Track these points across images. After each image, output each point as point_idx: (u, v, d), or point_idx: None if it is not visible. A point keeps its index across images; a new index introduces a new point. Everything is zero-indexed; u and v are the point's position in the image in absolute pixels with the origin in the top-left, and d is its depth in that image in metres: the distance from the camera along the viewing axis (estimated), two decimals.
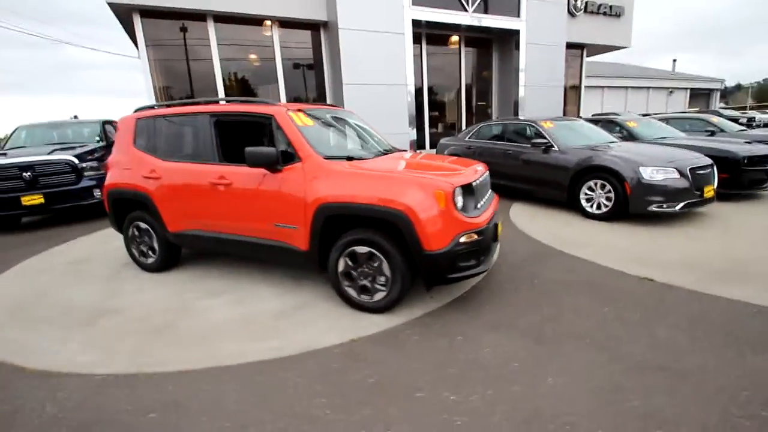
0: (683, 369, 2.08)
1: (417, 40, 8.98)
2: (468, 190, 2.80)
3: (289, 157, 2.99)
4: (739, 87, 61.64)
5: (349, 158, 3.06)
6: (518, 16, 9.51)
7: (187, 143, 3.49)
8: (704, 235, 4.33)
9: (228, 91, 7.83)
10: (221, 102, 3.53)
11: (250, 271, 3.73)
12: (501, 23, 9.35)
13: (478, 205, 2.92)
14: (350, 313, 2.88)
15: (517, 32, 9.68)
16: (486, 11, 9.11)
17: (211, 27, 7.48)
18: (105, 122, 7.67)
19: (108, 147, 6.98)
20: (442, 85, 10.36)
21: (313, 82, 8.89)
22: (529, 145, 5.90)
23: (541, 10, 9.70)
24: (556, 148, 5.61)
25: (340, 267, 2.87)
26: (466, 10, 8.88)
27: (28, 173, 5.67)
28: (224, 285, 3.47)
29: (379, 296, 2.79)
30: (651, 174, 4.66)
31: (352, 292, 2.88)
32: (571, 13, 10.61)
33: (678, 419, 1.74)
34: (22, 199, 5.58)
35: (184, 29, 7.38)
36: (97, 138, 7.27)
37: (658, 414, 1.78)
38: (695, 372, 2.05)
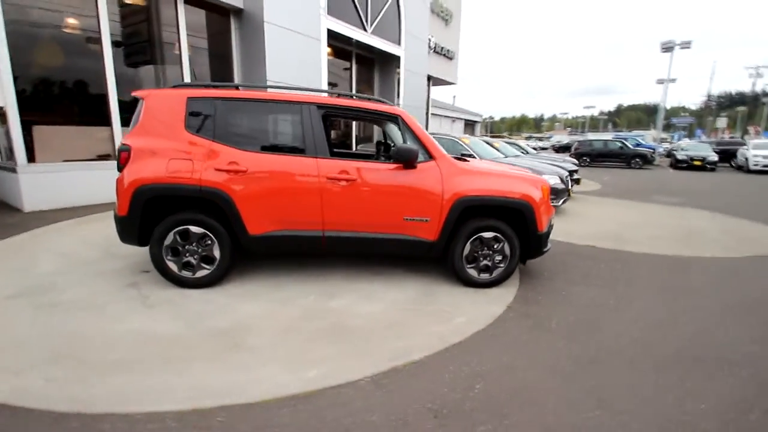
0: (698, 286, 3.64)
1: None
2: None
3: None
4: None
5: (457, 158, 3.54)
6: (399, 44, 11.05)
7: (284, 133, 3.12)
8: (578, 219, 6.67)
9: (122, 76, 6.14)
10: (330, 95, 3.28)
11: (313, 270, 3.58)
12: (389, 47, 10.65)
13: None
14: (470, 291, 3.36)
15: (398, 58, 11.21)
16: (378, 35, 10.21)
17: None
18: None
19: None
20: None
21: (216, 71, 7.87)
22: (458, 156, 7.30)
23: (413, 43, 11.56)
24: (477, 159, 7.20)
25: (465, 251, 3.34)
26: (365, 30, 9.75)
27: None
28: (314, 287, 3.27)
29: (497, 272, 3.40)
30: (548, 180, 6.77)
31: (473, 272, 3.38)
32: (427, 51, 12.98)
33: (739, 303, 3.21)
34: None
35: None
36: None
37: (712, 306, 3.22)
38: (705, 288, 3.62)
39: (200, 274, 3.12)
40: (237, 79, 7.86)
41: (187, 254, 3.08)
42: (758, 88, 51.05)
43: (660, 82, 32.58)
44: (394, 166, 3.17)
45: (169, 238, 3.03)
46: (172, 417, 1.78)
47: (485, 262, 3.37)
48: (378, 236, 3.24)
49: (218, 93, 3.08)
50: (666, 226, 6.22)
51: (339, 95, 3.33)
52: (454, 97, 39.74)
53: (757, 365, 2.36)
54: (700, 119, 71.84)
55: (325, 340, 2.49)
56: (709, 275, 3.99)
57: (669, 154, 25.66)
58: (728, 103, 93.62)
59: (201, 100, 3.04)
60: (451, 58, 14.95)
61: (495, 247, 3.35)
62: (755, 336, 2.73)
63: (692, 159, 17.86)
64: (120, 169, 2.99)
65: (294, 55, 7.84)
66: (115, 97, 6.13)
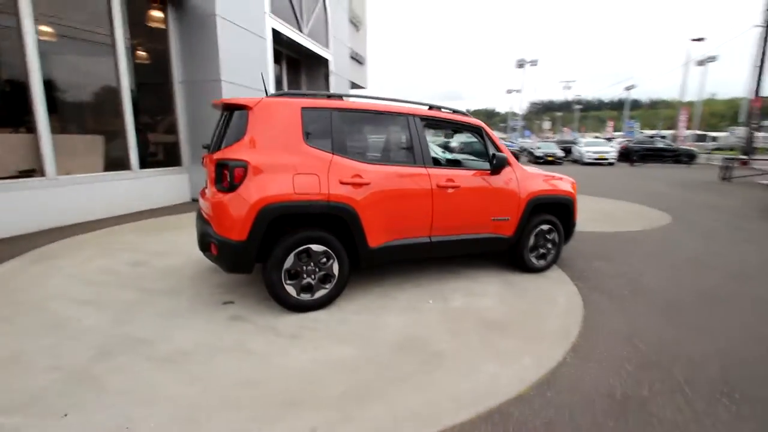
0: (658, 251, 4.90)
1: None
2: None
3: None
4: None
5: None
6: (328, 47, 11.01)
7: (394, 145, 3.12)
8: None
9: (50, 74, 4.77)
10: (422, 107, 3.34)
11: (394, 277, 3.70)
12: (320, 50, 10.52)
13: None
14: (532, 276, 3.93)
15: (323, 61, 11.14)
16: (312, 37, 10.02)
17: None
18: None
19: None
20: None
21: (144, 67, 6.69)
22: None
23: (339, 47, 11.64)
24: None
25: (530, 243, 3.89)
26: (302, 31, 9.46)
27: None
28: (417, 292, 3.40)
29: (549, 258, 4.06)
30: None
31: (534, 260, 3.96)
32: None
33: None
34: None
35: None
36: None
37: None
38: (663, 252, 4.90)
39: (319, 294, 2.93)
40: (177, 76, 6.85)
41: (305, 275, 2.86)
42: (569, 98, 65.94)
43: (509, 92, 39.54)
44: (484, 172, 3.52)
45: (290, 261, 2.77)
46: (495, 412, 1.86)
47: (542, 250, 3.99)
48: (472, 237, 3.54)
49: (333, 104, 2.93)
50: (588, 210, 7.90)
51: (430, 107, 3.48)
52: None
53: (753, 292, 3.52)
54: (528, 122, 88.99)
55: (494, 335, 2.71)
56: (653, 243, 5.41)
57: (520, 151, 31.34)
58: (544, 109, 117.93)
59: (316, 110, 2.86)
60: (362, 63, 15.45)
61: (548, 237, 4.00)
62: (725, 278, 3.97)
63: (547, 155, 22.27)
64: (232, 187, 2.60)
65: (245, 53, 7.23)
66: (42, 95, 4.78)
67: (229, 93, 6.83)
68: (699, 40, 27.15)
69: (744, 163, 16.85)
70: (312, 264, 2.87)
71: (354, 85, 15.80)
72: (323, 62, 11.16)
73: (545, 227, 3.93)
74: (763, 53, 16.60)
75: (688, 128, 31.30)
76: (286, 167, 2.70)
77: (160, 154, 7.05)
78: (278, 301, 2.83)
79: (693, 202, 8.94)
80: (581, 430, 1.83)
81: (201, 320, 2.77)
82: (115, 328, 2.62)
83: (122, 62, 5.87)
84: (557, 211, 4.04)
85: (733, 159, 13.43)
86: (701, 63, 27.48)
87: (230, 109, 2.96)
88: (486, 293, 3.45)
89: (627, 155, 22.39)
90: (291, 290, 2.83)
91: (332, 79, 11.44)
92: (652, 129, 57.50)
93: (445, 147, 8.38)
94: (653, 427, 1.86)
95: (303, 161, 2.76)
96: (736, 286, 3.76)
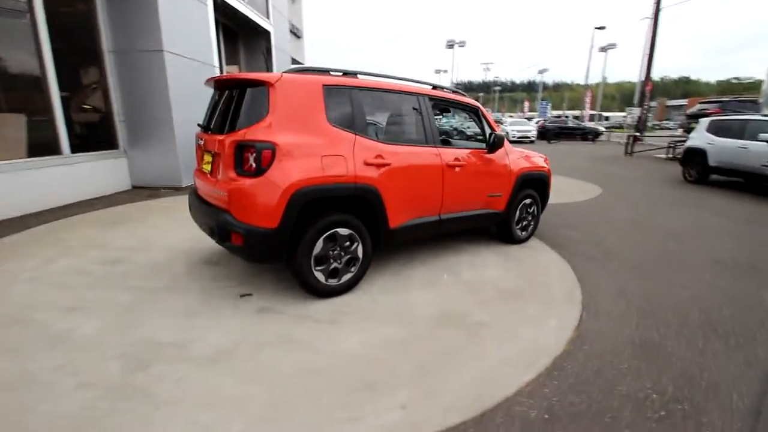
0: (605, 216, 5.58)
1: None
2: None
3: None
4: None
5: None
6: (268, 18, 10.25)
7: (408, 124, 3.10)
8: None
9: None
10: (425, 86, 3.31)
11: (399, 257, 3.78)
12: (262, 21, 9.75)
13: None
14: (516, 246, 4.27)
15: (263, 33, 10.38)
16: (251, 5, 9.23)
17: None
18: None
19: None
20: None
21: (64, 35, 5.64)
22: None
23: (279, 19, 10.87)
24: None
25: (517, 216, 4.20)
26: None
27: None
28: (428, 269, 3.53)
29: (529, 230, 4.43)
30: None
31: (519, 232, 4.30)
32: None
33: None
34: None
35: None
36: None
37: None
38: (610, 217, 5.59)
39: (345, 278, 2.90)
40: (107, 45, 5.90)
41: (331, 260, 2.80)
42: (488, 79, 70.10)
43: (438, 71, 40.60)
44: (482, 150, 3.68)
45: (319, 246, 2.68)
46: (553, 368, 2.05)
47: (525, 222, 4.34)
48: (472, 213, 3.72)
49: (352, 82, 2.81)
50: None
51: (434, 87, 3.48)
52: None
53: (689, 249, 4.23)
54: None
55: (515, 302, 2.93)
56: (597, 211, 6.15)
57: (452, 129, 32.84)
58: (465, 89, 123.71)
59: (337, 89, 2.72)
60: (299, 37, 14.63)
61: (529, 210, 4.35)
62: (663, 237, 4.71)
63: None
64: (259, 171, 2.41)
65: (186, 20, 6.46)
66: None
67: (173, 65, 6.09)
68: (601, 28, 30.44)
69: (637, 139, 19.62)
70: (338, 248, 2.81)
71: (294, 61, 15.00)
72: (263, 35, 10.37)
73: (528, 201, 4.27)
74: (653, 42, 19.19)
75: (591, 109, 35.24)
76: (314, 148, 2.58)
77: (94, 136, 6.09)
78: (307, 288, 2.74)
79: (611, 174, 10.24)
80: (625, 374, 2.13)
81: (226, 316, 2.58)
82: (126, 335, 2.33)
83: (42, 26, 4.89)
84: (536, 186, 4.40)
85: (633, 137, 15.56)
86: (603, 49, 30.91)
87: (238, 86, 2.69)
88: (487, 265, 3.68)
89: (544, 134, 24.63)
90: (320, 276, 2.75)
91: (274, 54, 10.73)
92: (557, 110, 63.66)
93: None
94: (674, 365, 2.23)
95: (329, 142, 2.65)
96: (675, 244, 4.49)
